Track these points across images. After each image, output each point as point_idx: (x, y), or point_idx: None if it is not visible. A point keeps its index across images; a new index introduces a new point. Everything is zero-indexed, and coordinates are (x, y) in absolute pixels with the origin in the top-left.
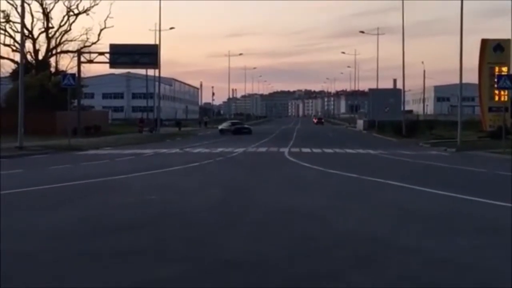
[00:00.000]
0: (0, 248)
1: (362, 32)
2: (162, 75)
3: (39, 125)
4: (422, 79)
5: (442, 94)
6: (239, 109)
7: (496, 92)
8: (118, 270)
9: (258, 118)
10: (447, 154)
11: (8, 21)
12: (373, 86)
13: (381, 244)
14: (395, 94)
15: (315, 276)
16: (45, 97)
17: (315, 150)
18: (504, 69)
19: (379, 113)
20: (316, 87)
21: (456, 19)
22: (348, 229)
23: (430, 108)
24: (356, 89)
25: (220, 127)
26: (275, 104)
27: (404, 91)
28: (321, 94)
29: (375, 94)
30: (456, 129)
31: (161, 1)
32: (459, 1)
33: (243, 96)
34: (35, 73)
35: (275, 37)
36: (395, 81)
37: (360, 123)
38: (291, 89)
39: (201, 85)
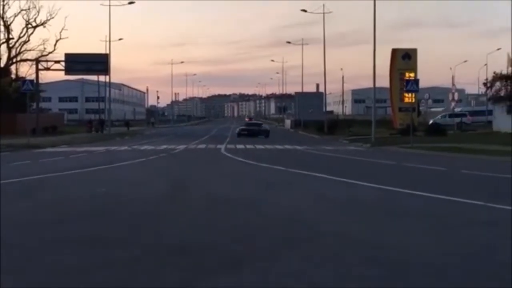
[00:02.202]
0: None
1: (289, 42)
2: (112, 80)
3: (1, 125)
4: (341, 83)
5: (359, 96)
6: (181, 111)
7: (405, 94)
8: (69, 256)
9: (198, 118)
10: (363, 149)
11: None
12: (299, 90)
13: (302, 225)
14: (318, 97)
15: (248, 256)
16: (6, 101)
17: (248, 147)
18: (412, 74)
19: (304, 114)
20: (249, 90)
21: (370, 30)
22: (275, 214)
23: (348, 109)
24: (284, 92)
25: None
26: (213, 106)
27: (325, 94)
28: (253, 97)
29: (301, 97)
30: (371, 127)
31: (111, 15)
32: (372, 15)
33: (185, 99)
34: None
35: (213, 46)
36: (317, 85)
37: (287, 122)
38: (227, 93)
39: (147, 90)
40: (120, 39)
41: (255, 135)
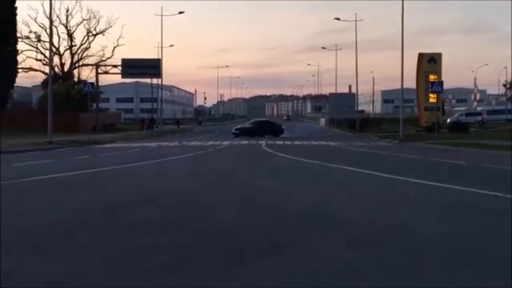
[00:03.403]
0: (0, 247)
1: (324, 48)
2: (163, 83)
3: (65, 124)
4: (372, 85)
5: (388, 97)
6: (226, 111)
7: (430, 95)
8: (128, 239)
9: (241, 117)
10: (392, 144)
11: (39, 40)
12: (333, 91)
13: (334, 215)
14: (350, 97)
15: (283, 242)
16: (69, 101)
17: (286, 143)
18: (436, 76)
19: (337, 113)
20: (287, 92)
21: (398, 36)
22: (310, 204)
23: (378, 108)
24: (319, 93)
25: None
26: (255, 106)
27: (357, 95)
28: (291, 98)
29: (334, 97)
30: (399, 125)
31: (163, 24)
32: (400, 22)
33: (229, 100)
34: (62, 82)
35: (254, 52)
36: (350, 86)
37: (322, 120)
38: (268, 94)
39: (195, 91)
40: (171, 46)
41: (262, 134)
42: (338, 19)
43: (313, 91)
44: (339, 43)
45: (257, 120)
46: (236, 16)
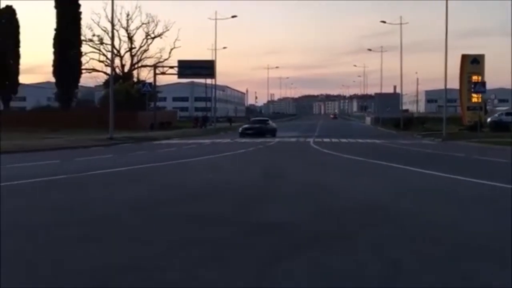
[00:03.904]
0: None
1: (370, 49)
2: (217, 83)
3: (125, 121)
4: (416, 85)
5: (431, 97)
6: (276, 109)
7: (473, 95)
8: (185, 228)
9: (290, 116)
10: (435, 143)
11: (102, 43)
12: (378, 91)
13: (380, 209)
14: (395, 97)
15: (330, 235)
16: (129, 100)
17: (333, 140)
18: (479, 77)
19: (382, 112)
20: (334, 91)
21: (442, 38)
22: (355, 198)
23: (421, 108)
24: (365, 93)
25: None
26: (303, 105)
27: (402, 95)
28: (338, 97)
29: (380, 97)
30: (442, 124)
31: (217, 27)
32: (444, 24)
33: (279, 99)
34: (122, 82)
35: (303, 53)
36: (395, 87)
37: (368, 119)
38: (315, 93)
39: (246, 91)
40: (224, 48)
41: (262, 135)
42: (384, 22)
43: (359, 91)
44: (384, 45)
45: (256, 119)
46: (286, 20)
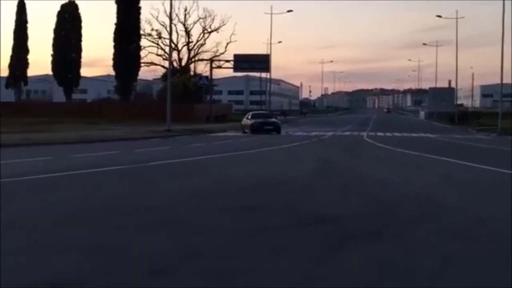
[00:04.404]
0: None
1: (425, 44)
2: (272, 77)
3: (181, 114)
4: (471, 79)
5: (487, 91)
6: (329, 103)
7: None
8: (237, 220)
9: (344, 110)
10: (490, 138)
11: (160, 37)
12: (433, 85)
13: (434, 202)
14: (449, 92)
15: (382, 228)
16: (186, 93)
17: (387, 134)
18: None
19: (437, 106)
20: (388, 86)
21: (498, 32)
22: (410, 192)
23: (477, 103)
24: (419, 87)
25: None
26: (357, 99)
27: (456, 89)
28: (392, 92)
29: (434, 91)
30: (497, 119)
31: (272, 22)
32: (501, 18)
33: (333, 93)
34: (179, 76)
35: (358, 48)
36: (449, 81)
37: (422, 113)
38: (369, 88)
39: (301, 85)
40: (279, 42)
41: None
42: (439, 16)
43: (414, 85)
44: (439, 40)
45: (258, 113)
46: (341, 14)
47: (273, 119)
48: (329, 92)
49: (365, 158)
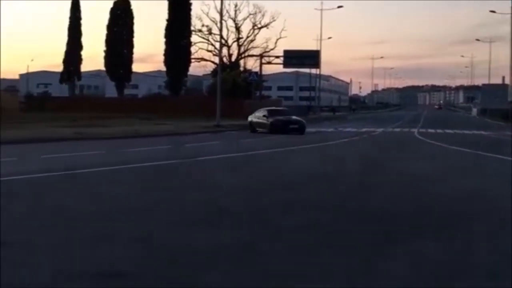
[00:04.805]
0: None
1: (478, 40)
2: (321, 73)
3: (231, 109)
4: None
5: None
6: (379, 99)
7: None
8: (284, 212)
9: (394, 106)
10: None
11: (210, 33)
12: (486, 82)
13: (486, 199)
14: (503, 88)
15: (430, 225)
16: (235, 89)
17: (438, 131)
18: None
19: (489, 103)
20: (439, 82)
21: None
22: (459, 191)
23: None
24: (472, 84)
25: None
26: (407, 95)
27: (511, 86)
28: (443, 88)
29: (487, 88)
30: None
31: (322, 18)
32: None
33: (383, 89)
34: (229, 71)
35: (408, 44)
36: (503, 77)
37: (474, 110)
38: (420, 84)
39: (350, 81)
40: (329, 38)
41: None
42: (493, 11)
43: (466, 82)
44: (493, 36)
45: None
46: (392, 10)
47: (297, 117)
48: (379, 88)
49: (417, 156)
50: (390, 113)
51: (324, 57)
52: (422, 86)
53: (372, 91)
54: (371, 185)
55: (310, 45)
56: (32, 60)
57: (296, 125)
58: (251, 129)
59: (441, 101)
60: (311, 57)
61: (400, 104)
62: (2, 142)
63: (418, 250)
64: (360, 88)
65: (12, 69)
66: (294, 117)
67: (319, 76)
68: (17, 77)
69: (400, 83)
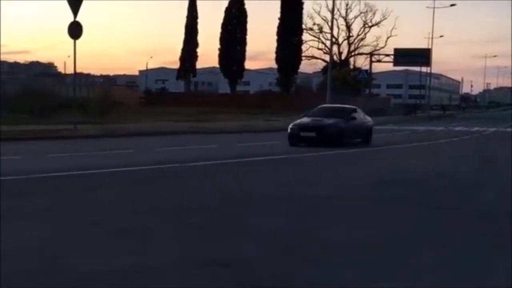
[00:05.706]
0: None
1: None
2: (432, 71)
3: None
4: None
5: None
6: (492, 99)
7: None
8: (393, 212)
9: (506, 105)
10: None
11: (321, 31)
12: None
13: None
14: None
15: None
16: (345, 86)
17: None
18: None
19: None
20: None
21: None
22: None
23: None
24: None
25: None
26: None
27: None
28: None
29: None
30: None
31: (434, 17)
32: None
33: (495, 89)
34: (339, 69)
35: None
36: None
37: None
38: None
39: (462, 79)
40: (440, 36)
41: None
42: None
43: None
44: None
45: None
46: (506, 8)
47: (334, 120)
48: (491, 87)
49: None
50: (502, 112)
51: (435, 56)
52: None
53: (484, 90)
54: (472, 184)
55: (420, 44)
56: (151, 57)
57: (313, 133)
58: (290, 140)
59: None
60: (422, 56)
61: None
62: (122, 135)
63: None
64: (472, 87)
65: (131, 66)
66: (329, 120)
67: (430, 75)
68: (136, 73)
69: None
